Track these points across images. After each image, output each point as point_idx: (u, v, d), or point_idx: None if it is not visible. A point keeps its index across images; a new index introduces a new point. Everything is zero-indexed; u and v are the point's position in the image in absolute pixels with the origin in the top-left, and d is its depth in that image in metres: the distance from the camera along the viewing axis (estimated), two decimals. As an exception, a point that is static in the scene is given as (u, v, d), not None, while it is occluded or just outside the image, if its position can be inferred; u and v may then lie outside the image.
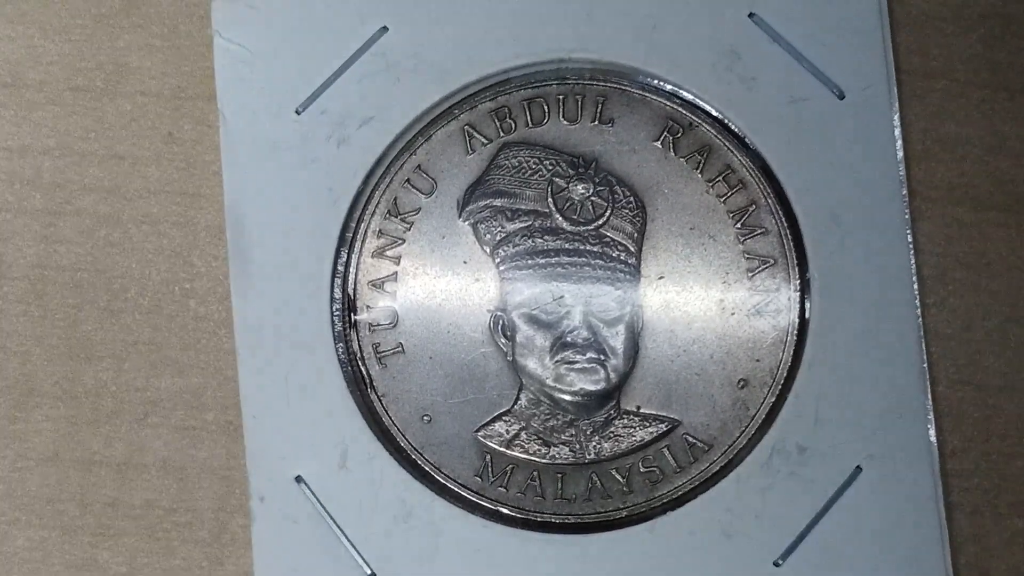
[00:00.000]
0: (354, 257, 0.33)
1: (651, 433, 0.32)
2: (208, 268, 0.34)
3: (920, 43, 0.34)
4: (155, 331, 0.34)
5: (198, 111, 0.34)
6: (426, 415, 0.33)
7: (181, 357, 0.34)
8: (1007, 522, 0.33)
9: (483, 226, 0.33)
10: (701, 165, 0.33)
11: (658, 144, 0.33)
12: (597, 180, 0.33)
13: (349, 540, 0.32)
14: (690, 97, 0.33)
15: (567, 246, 0.33)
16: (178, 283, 0.34)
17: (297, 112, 0.33)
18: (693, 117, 0.33)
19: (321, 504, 0.32)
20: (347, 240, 0.33)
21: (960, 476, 0.33)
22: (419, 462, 0.33)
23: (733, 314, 0.32)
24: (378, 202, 0.33)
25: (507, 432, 0.33)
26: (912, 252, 0.32)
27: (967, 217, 0.33)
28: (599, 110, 0.33)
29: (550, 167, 0.33)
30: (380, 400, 0.33)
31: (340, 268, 0.33)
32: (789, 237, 0.32)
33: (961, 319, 0.33)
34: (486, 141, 0.33)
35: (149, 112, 0.34)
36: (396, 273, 0.33)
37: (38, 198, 0.34)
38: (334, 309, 0.33)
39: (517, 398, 0.33)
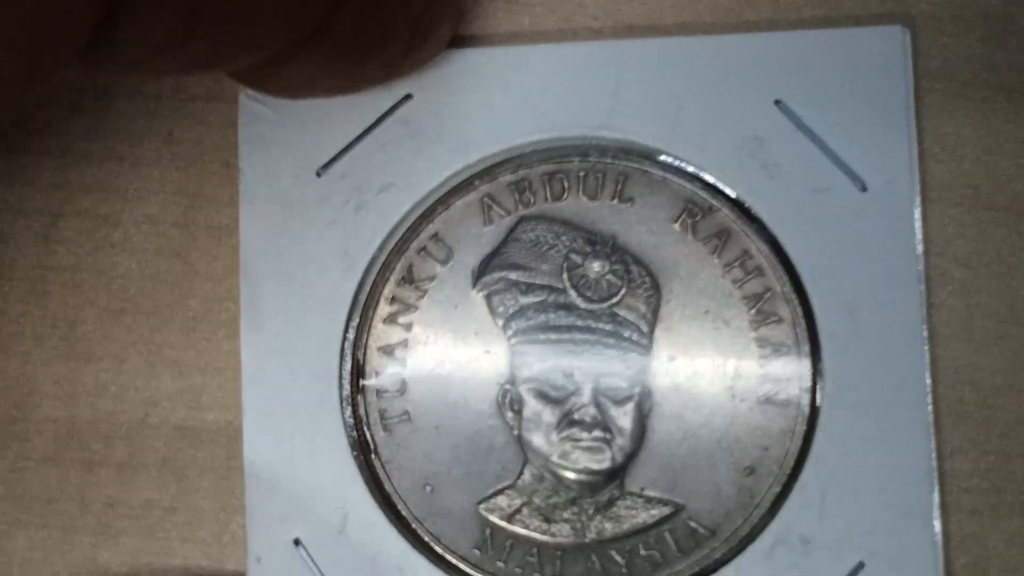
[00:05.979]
0: (366, 322, 0.33)
1: (654, 516, 0.32)
2: (208, 268, 0.34)
3: (919, 43, 0.33)
4: (155, 331, 0.34)
5: (198, 111, 0.34)
6: (428, 484, 0.32)
7: (181, 357, 0.34)
8: (1007, 522, 0.32)
9: (497, 298, 0.33)
10: (719, 249, 0.33)
11: (676, 226, 0.33)
12: (613, 258, 0.33)
13: (344, 605, 0.32)
14: (711, 180, 0.33)
15: (579, 323, 0.32)
16: (178, 283, 0.34)
17: (317, 174, 0.33)
18: (713, 201, 0.33)
19: (318, 568, 0.32)
20: (360, 304, 0.33)
21: (960, 476, 0.32)
22: (419, 532, 0.32)
23: (743, 400, 0.32)
24: (393, 268, 0.33)
25: (509, 506, 0.32)
26: (927, 345, 0.32)
27: (966, 217, 0.33)
28: (619, 188, 0.33)
29: (567, 243, 0.33)
30: (384, 467, 0.33)
31: (351, 332, 0.33)
32: (804, 326, 0.32)
33: (961, 319, 0.33)
34: (504, 213, 0.33)
35: (149, 112, 0.34)
36: (407, 340, 0.33)
37: (38, 198, 0.34)
38: (343, 372, 0.33)
39: (521, 472, 0.32)
